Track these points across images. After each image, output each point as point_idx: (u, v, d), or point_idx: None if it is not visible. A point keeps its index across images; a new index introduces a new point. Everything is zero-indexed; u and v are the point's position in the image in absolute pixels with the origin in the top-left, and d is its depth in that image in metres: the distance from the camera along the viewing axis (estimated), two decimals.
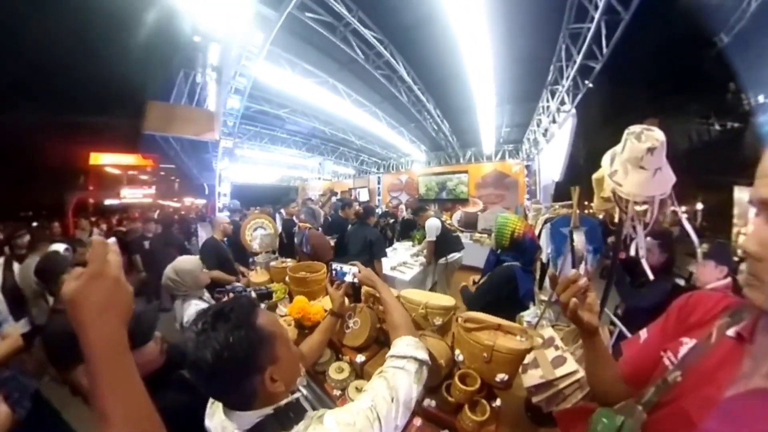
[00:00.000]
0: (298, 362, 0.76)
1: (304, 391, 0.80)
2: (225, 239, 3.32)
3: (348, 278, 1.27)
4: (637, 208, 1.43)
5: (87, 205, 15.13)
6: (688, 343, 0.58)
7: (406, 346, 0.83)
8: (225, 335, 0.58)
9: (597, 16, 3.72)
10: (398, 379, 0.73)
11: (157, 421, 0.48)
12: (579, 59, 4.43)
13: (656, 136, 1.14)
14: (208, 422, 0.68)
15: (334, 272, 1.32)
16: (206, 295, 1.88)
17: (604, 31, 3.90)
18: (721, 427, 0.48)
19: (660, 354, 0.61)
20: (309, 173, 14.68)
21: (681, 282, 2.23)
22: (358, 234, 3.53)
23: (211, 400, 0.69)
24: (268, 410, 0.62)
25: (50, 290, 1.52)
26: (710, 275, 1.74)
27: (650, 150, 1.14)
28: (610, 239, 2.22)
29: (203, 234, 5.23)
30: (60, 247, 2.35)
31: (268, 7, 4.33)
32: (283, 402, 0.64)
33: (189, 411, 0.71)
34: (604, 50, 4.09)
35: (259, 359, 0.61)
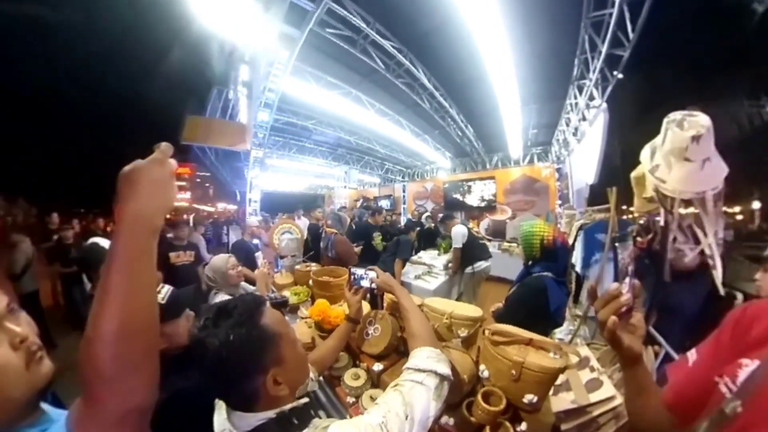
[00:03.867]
0: (305, 365, 0.73)
1: (319, 393, 0.76)
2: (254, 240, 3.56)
3: (365, 283, 1.24)
4: (683, 210, 1.26)
5: None
6: (749, 366, 0.48)
7: (426, 358, 0.76)
8: (226, 332, 0.57)
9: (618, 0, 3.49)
10: (415, 394, 0.67)
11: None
12: (604, 49, 4.15)
13: (701, 121, 1.01)
14: (216, 417, 0.65)
15: (352, 277, 1.30)
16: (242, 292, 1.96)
17: (627, 15, 3.63)
18: None
19: (714, 379, 0.51)
20: (335, 182, 15.09)
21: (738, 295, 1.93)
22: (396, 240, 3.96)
23: None
24: (270, 414, 0.59)
25: (89, 277, 1.69)
26: None
27: (695, 138, 1.01)
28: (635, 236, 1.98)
29: (234, 236, 5.62)
30: (100, 240, 2.61)
31: (291, 26, 4.59)
32: (288, 407, 0.61)
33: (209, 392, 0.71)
34: (630, 36, 3.80)
35: (262, 359, 0.59)
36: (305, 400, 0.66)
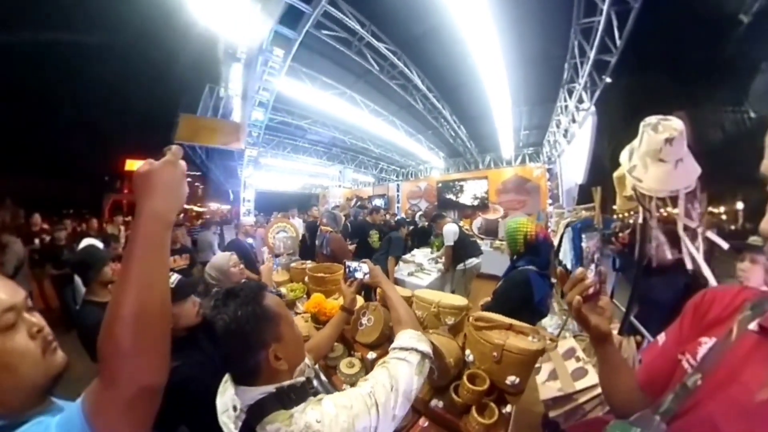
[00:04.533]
0: (302, 346, 0.79)
1: (315, 383, 0.82)
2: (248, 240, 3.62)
3: (358, 275, 1.29)
4: (671, 210, 1.33)
5: (122, 205, 16.79)
6: (707, 343, 0.53)
7: (408, 338, 0.84)
8: (234, 309, 0.64)
9: (605, 8, 3.64)
10: (399, 369, 0.74)
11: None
12: (593, 54, 4.31)
13: (674, 125, 1.08)
14: (219, 399, 0.71)
15: (347, 270, 1.35)
16: None
17: (615, 23, 3.80)
18: None
19: (678, 357, 0.56)
20: (330, 181, 15.02)
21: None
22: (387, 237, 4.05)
23: (225, 378, 0.73)
24: (271, 388, 0.64)
25: (85, 282, 1.64)
26: (761, 276, 1.53)
27: (668, 140, 1.08)
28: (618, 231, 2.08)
29: (228, 236, 5.61)
30: (95, 241, 2.59)
31: (288, 27, 4.63)
32: (286, 383, 0.66)
33: (209, 371, 0.76)
34: (618, 42, 3.97)
35: (265, 335, 0.66)
36: (302, 379, 0.72)
